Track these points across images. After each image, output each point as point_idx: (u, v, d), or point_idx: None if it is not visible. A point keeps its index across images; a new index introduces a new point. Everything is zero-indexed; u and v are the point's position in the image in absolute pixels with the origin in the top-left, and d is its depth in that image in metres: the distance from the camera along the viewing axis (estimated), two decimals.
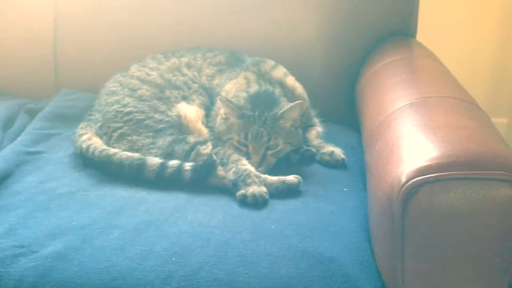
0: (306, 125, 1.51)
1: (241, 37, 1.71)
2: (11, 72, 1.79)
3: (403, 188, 0.95)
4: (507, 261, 0.99)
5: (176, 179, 1.26)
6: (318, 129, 1.52)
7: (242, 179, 1.24)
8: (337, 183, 1.31)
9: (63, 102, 1.66)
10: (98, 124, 1.40)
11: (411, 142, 1.05)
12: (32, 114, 1.64)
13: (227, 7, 1.72)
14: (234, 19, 1.72)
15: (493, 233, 0.95)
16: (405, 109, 1.19)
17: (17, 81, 1.80)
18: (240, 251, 1.05)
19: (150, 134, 1.36)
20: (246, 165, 1.28)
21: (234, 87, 1.45)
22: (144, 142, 1.35)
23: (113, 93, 1.45)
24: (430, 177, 0.93)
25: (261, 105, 1.35)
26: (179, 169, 1.26)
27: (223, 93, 1.43)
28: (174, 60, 1.55)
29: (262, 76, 1.47)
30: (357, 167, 1.38)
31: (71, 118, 1.55)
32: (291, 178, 1.26)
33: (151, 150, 1.33)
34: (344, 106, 1.72)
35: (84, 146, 1.34)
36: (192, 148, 1.32)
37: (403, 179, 0.95)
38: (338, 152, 1.40)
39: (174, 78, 1.49)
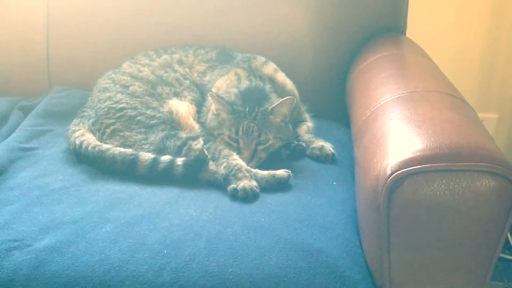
0: (297, 120, 1.53)
1: (232, 34, 1.73)
2: (5, 70, 1.81)
3: (388, 180, 0.97)
4: (491, 251, 1.01)
5: (168, 174, 1.28)
6: (308, 124, 1.54)
7: (233, 173, 1.26)
8: (327, 177, 1.33)
9: (56, 99, 1.68)
10: (91, 121, 1.42)
11: (396, 135, 1.07)
12: (25, 111, 1.65)
13: (217, 4, 1.74)
14: (224, 17, 1.74)
15: (476, 224, 0.98)
16: (392, 104, 1.21)
17: (11, 79, 1.81)
18: (230, 243, 1.07)
19: (142, 130, 1.38)
20: (237, 160, 1.30)
21: (225, 83, 1.47)
22: (136, 138, 1.37)
23: (106, 89, 1.47)
24: (414, 169, 0.96)
25: (251, 101, 1.37)
26: (171, 164, 1.28)
27: (214, 89, 1.44)
28: (165, 56, 1.57)
29: (253, 72, 1.49)
30: (347, 162, 1.40)
31: (64, 115, 1.56)
32: (281, 172, 1.28)
33: (144, 146, 1.35)
34: (334, 101, 1.74)
35: (77, 142, 1.36)
36: (184, 143, 1.33)
37: (388, 171, 0.98)
38: (328, 147, 1.42)
39: (165, 74, 1.51)
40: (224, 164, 1.29)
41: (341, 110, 1.64)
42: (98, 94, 1.48)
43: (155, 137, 1.35)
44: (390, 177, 0.97)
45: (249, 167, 1.29)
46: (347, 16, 1.73)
